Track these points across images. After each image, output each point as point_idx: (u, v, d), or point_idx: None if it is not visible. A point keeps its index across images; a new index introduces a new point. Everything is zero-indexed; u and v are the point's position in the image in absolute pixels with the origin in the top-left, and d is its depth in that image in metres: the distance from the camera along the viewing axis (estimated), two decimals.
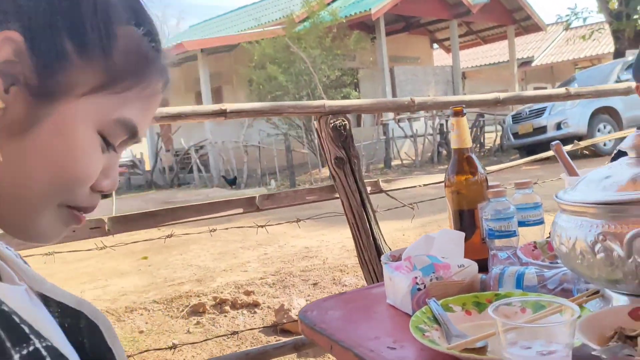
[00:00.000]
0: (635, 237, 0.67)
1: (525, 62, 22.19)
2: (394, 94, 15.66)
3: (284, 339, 3.50)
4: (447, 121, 14.51)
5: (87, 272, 5.36)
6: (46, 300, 0.65)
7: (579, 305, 0.74)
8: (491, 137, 15.10)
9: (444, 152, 14.54)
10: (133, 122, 0.54)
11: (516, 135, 11.63)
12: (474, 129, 14.73)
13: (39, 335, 0.48)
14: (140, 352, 3.09)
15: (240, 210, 1.89)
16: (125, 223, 1.73)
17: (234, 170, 13.79)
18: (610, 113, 10.41)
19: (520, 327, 0.61)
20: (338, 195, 1.98)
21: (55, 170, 0.50)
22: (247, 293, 4.24)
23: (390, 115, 13.85)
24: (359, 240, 1.95)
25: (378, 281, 1.93)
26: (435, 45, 20.92)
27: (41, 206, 0.52)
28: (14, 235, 0.55)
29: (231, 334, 3.02)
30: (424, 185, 2.10)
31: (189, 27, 25.71)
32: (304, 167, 13.69)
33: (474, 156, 1.20)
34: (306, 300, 3.91)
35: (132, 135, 0.56)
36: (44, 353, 0.47)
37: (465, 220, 1.19)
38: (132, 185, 16.87)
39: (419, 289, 0.95)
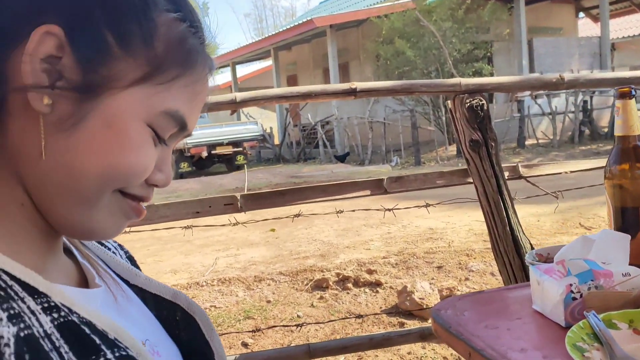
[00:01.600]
0: None
1: None
2: (531, 68, 14.60)
3: (406, 322, 3.45)
4: (591, 97, 13.27)
5: (221, 240, 5.69)
6: (142, 293, 0.65)
7: None
8: None
9: (587, 131, 13.35)
10: (180, 113, 0.52)
11: None
12: None
13: (114, 345, 0.47)
14: (268, 327, 3.21)
15: (368, 192, 1.85)
16: (256, 201, 1.76)
17: (358, 146, 13.83)
18: None
19: None
20: (471, 180, 1.86)
21: (107, 164, 0.49)
22: (370, 272, 4.23)
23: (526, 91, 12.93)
24: (493, 229, 1.81)
25: (514, 275, 1.79)
26: (581, 14, 19.08)
27: (97, 200, 0.50)
28: (76, 236, 0.55)
29: (355, 317, 3.01)
30: (571, 172, 1.90)
31: (319, 3, 26.01)
32: (430, 145, 13.35)
33: None
34: (430, 284, 3.80)
35: (182, 127, 0.53)
36: None
37: (629, 219, 1.03)
38: (262, 158, 17.67)
39: (574, 299, 0.83)
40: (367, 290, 4.01)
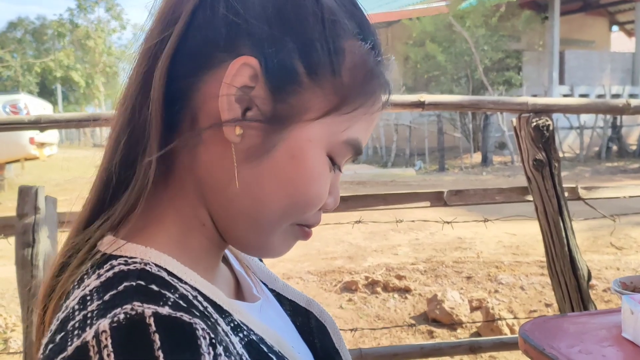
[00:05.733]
0: None
1: None
2: (561, 80, 14.46)
3: (435, 330, 3.47)
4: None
5: None
6: (279, 298, 0.66)
7: None
8: None
9: (615, 147, 13.18)
10: (359, 142, 0.52)
11: None
12: None
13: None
14: None
15: (428, 203, 1.87)
16: None
17: (382, 148, 13.83)
18: None
19: None
20: (532, 198, 1.87)
21: (290, 195, 0.49)
22: (399, 277, 4.25)
23: None
24: (551, 248, 1.83)
25: (569, 295, 1.80)
26: (615, 28, 18.82)
27: (276, 228, 0.51)
28: (247, 252, 0.56)
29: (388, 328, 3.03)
30: (630, 197, 1.90)
31: None
32: (454, 151, 13.29)
33: None
34: (460, 294, 3.81)
35: (357, 152, 0.53)
36: None
37: None
38: None
39: None
40: (395, 295, 4.04)
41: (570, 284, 1.79)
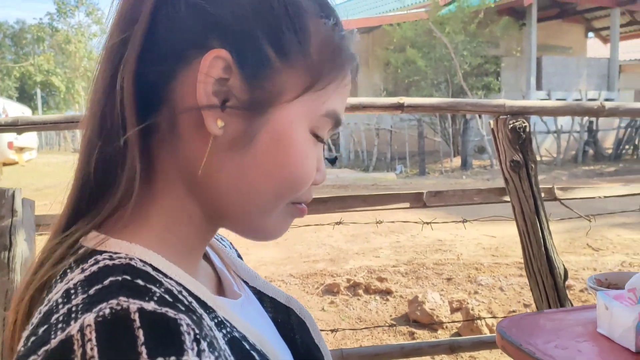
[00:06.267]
0: None
1: None
2: (539, 86, 14.69)
3: (416, 332, 3.49)
4: (597, 118, 13.34)
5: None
6: (260, 296, 0.66)
7: None
8: None
9: (591, 152, 13.43)
10: (337, 113, 0.53)
11: None
12: (629, 130, 13.40)
13: (265, 359, 0.49)
14: None
15: (407, 204, 1.89)
16: None
17: (363, 152, 13.89)
18: None
19: None
20: (508, 199, 1.90)
21: (281, 178, 0.50)
22: (380, 279, 4.27)
23: None
24: (528, 248, 1.86)
25: (546, 294, 1.83)
26: (591, 35, 19.20)
27: (271, 210, 0.52)
28: (246, 237, 0.56)
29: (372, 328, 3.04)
30: (605, 197, 1.94)
31: None
32: (435, 155, 13.40)
33: None
34: (440, 295, 3.84)
35: (337, 123, 0.55)
36: None
37: None
38: None
39: None
40: (377, 297, 4.05)
41: (547, 282, 1.82)
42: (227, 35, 0.48)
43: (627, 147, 13.64)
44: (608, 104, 1.89)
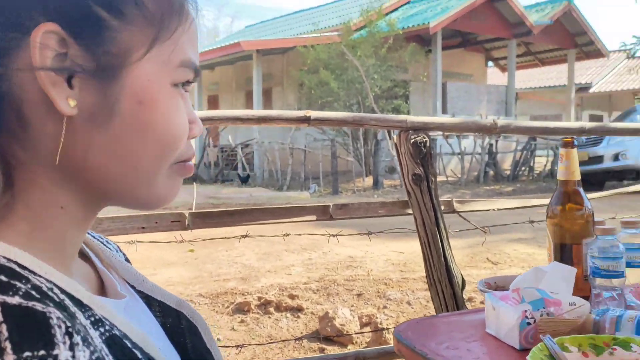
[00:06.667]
0: None
1: (583, 88, 21.59)
2: (444, 110, 15.49)
3: (326, 347, 3.50)
4: (496, 141, 14.27)
5: (136, 259, 5.41)
6: (148, 300, 0.64)
7: None
8: (541, 162, 14.75)
9: (491, 172, 14.29)
10: (192, 60, 0.52)
11: None
12: (524, 152, 14.42)
13: (150, 358, 0.48)
14: None
15: (314, 217, 1.90)
16: (204, 219, 1.76)
17: (277, 172, 13.90)
18: None
19: None
20: (411, 212, 1.97)
21: (156, 140, 0.49)
22: (292, 297, 4.25)
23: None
24: (429, 258, 1.93)
25: (446, 302, 1.90)
26: (490, 64, 20.60)
27: (157, 175, 0.51)
28: (140, 208, 0.55)
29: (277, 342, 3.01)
30: (498, 209, 2.06)
31: (245, 27, 26.13)
32: (347, 175, 13.68)
33: (581, 190, 1.17)
34: (350, 311, 3.89)
35: (196, 71, 0.53)
36: None
37: (566, 255, 1.16)
38: None
39: (529, 324, 0.93)
40: (288, 315, 4.03)
41: (447, 291, 1.89)
42: (51, 7, 0.45)
43: (523, 168, 14.65)
44: (500, 122, 2.01)
